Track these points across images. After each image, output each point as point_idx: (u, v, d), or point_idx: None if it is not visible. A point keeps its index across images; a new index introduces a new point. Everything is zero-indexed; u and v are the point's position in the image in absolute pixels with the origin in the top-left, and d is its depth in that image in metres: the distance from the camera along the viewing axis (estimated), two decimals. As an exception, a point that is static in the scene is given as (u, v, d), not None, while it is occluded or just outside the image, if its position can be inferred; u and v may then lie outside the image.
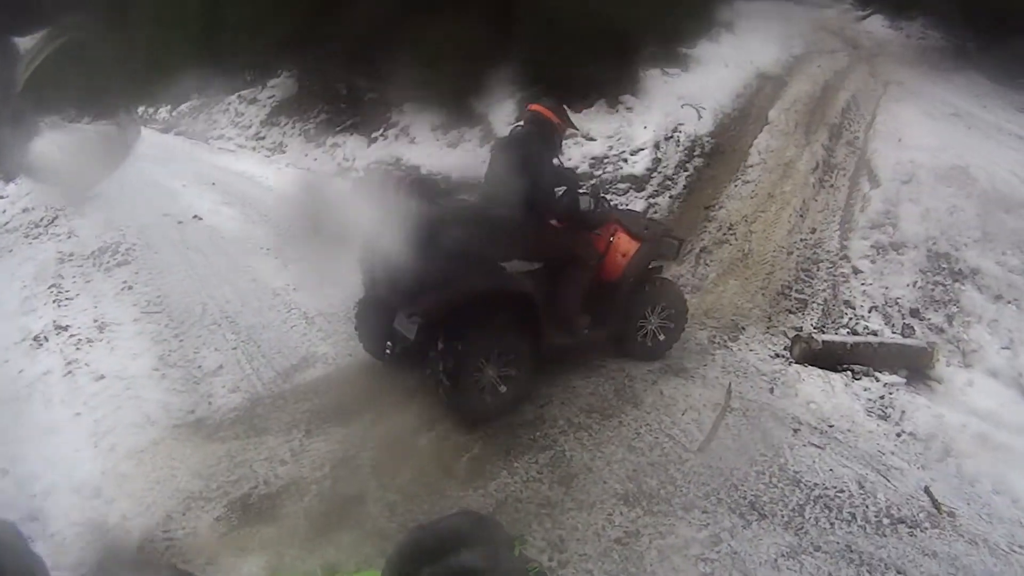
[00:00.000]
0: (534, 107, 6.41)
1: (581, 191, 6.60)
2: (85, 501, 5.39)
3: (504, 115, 11.87)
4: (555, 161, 6.32)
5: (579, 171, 10.33)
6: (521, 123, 6.54)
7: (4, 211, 13.14)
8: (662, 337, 6.97)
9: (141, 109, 20.21)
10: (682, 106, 11.50)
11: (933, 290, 7.88)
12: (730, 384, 6.51)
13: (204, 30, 16.72)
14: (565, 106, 6.60)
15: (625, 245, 6.68)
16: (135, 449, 5.90)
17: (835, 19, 17.03)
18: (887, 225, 8.60)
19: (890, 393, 6.56)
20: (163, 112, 18.94)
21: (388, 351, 6.31)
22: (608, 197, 7.17)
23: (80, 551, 4.99)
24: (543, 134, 6.23)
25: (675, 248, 7.02)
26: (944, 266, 8.10)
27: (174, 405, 6.46)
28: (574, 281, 6.30)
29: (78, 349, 7.33)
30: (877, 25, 17.59)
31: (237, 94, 17.56)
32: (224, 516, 5.21)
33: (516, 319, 5.89)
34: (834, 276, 8.11)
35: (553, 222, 6.47)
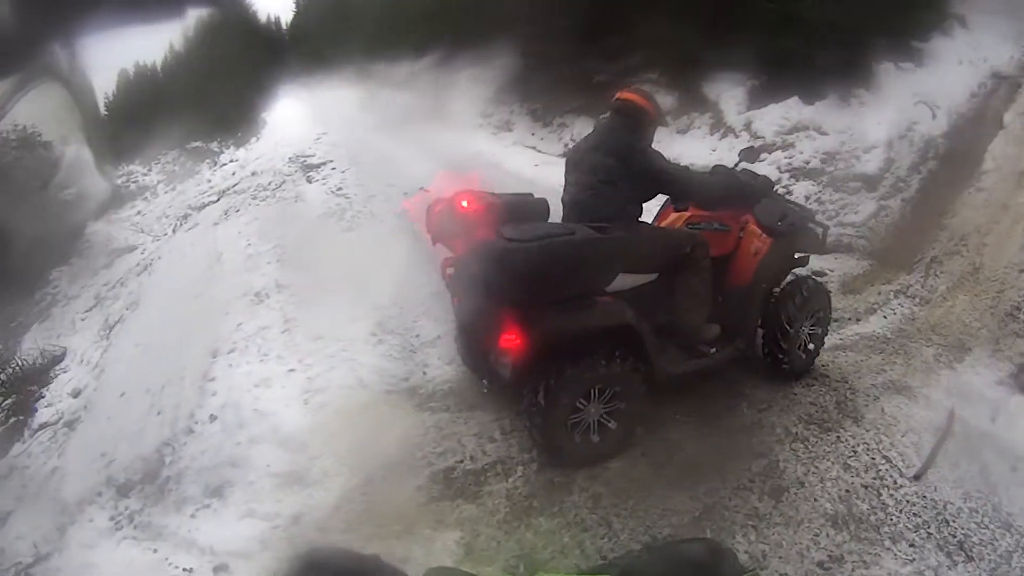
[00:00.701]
0: (625, 95, 5.99)
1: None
2: (289, 454, 5.83)
3: (734, 103, 12.02)
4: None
5: (810, 166, 10.45)
6: (608, 114, 6.13)
7: (234, 174, 14.14)
8: (811, 346, 6.67)
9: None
10: (916, 104, 11.24)
11: None
12: (953, 408, 6.25)
13: (435, 6, 17.27)
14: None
15: (756, 242, 6.25)
16: (345, 410, 6.28)
17: (1074, 14, 16.13)
18: None
19: (1116, 438, 6.18)
20: (392, 87, 19.46)
21: (485, 388, 6.04)
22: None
23: (275, 502, 5.48)
24: (636, 125, 5.85)
25: (819, 238, 6.61)
26: None
27: (388, 371, 6.83)
28: (692, 289, 5.86)
29: (298, 308, 7.81)
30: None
31: (464, 72, 17.98)
32: (426, 486, 5.52)
33: (619, 349, 5.44)
34: (1066, 302, 7.74)
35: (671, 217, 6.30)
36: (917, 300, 8.12)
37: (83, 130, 16.48)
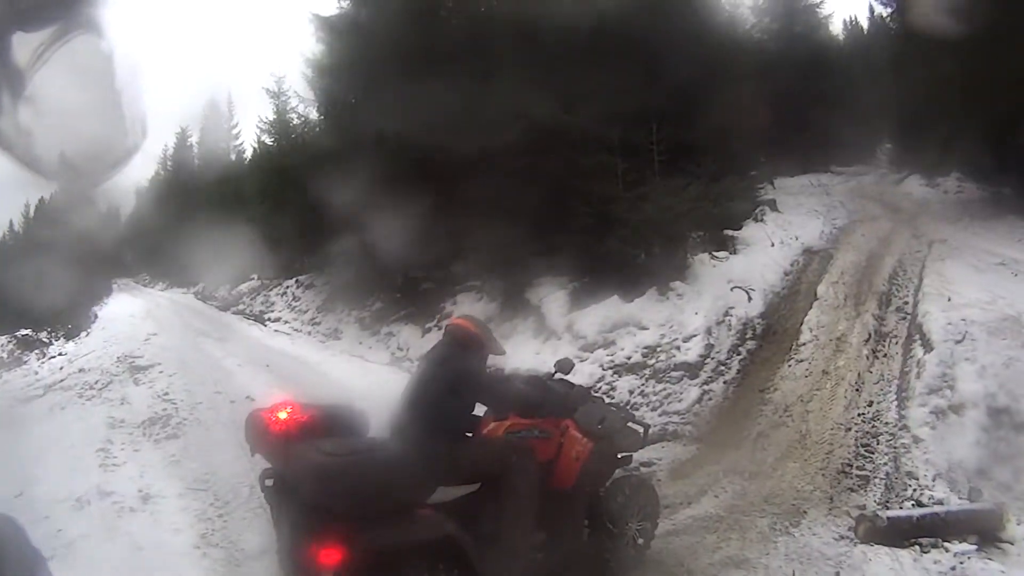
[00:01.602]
0: (456, 321, 6.15)
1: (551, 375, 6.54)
2: None
3: (556, 306, 12.24)
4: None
5: (632, 361, 10.49)
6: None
7: (62, 368, 14.01)
8: (640, 541, 6.46)
9: (201, 285, 20.94)
10: (732, 289, 11.62)
11: (997, 446, 7.63)
12: (794, 572, 6.13)
13: (266, 215, 17.66)
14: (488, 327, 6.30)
15: (577, 446, 6.08)
16: None
17: (873, 184, 17.31)
18: (944, 388, 8.39)
19: (961, 563, 6.11)
20: (223, 290, 19.60)
21: None
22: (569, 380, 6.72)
23: None
24: (464, 347, 5.87)
25: (639, 437, 6.55)
26: (1006, 420, 7.86)
27: None
28: (518, 497, 5.66)
29: (119, 517, 7.49)
30: (915, 186, 17.95)
31: (295, 278, 18.13)
32: None
33: (442, 561, 5.22)
34: (895, 448, 7.86)
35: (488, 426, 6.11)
36: (747, 475, 7.98)
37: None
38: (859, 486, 7.47)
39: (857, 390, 9.13)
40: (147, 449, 9.43)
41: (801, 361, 10.10)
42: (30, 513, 7.44)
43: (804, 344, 10.48)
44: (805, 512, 7.14)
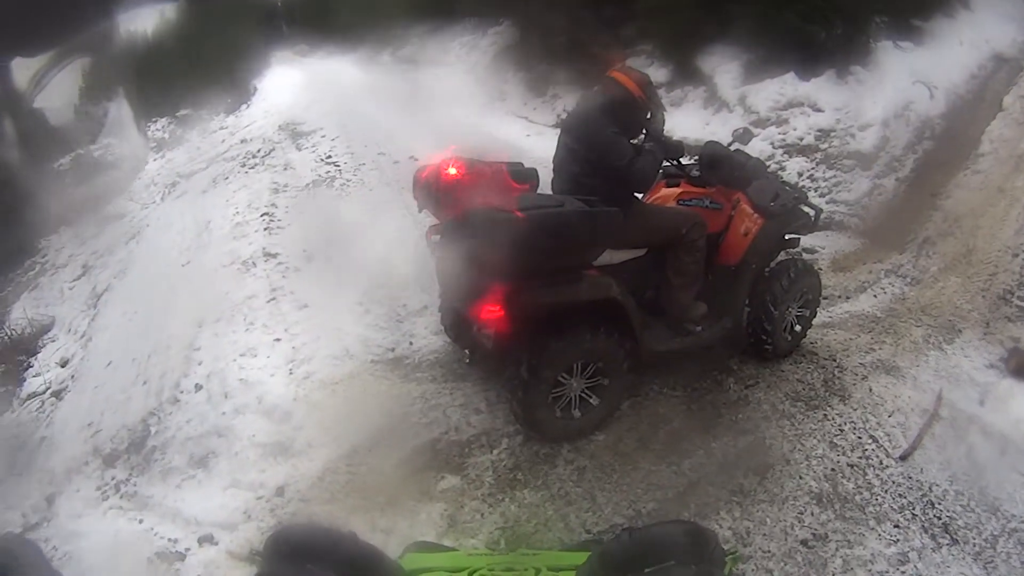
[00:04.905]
0: (613, 73, 5.77)
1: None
2: (273, 425, 5.78)
3: (730, 77, 11.79)
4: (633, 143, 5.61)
5: (804, 143, 10.27)
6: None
7: (223, 141, 13.92)
8: (798, 328, 6.61)
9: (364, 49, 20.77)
10: (914, 83, 11.03)
11: None
12: (941, 390, 6.18)
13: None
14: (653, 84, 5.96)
15: (747, 222, 6.14)
16: (330, 380, 6.23)
17: (1083, 2, 15.90)
18: None
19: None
20: (385, 55, 19.37)
21: (468, 360, 6.00)
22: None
23: (260, 473, 5.42)
24: (616, 104, 5.60)
25: (810, 220, 6.57)
26: None
27: (374, 341, 6.78)
28: (684, 267, 5.76)
29: (284, 277, 7.72)
30: None
31: (458, 40, 17.81)
32: (410, 457, 5.45)
33: (604, 324, 5.37)
34: (1061, 286, 7.56)
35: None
36: (908, 280, 7.99)
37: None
38: (1017, 316, 7.24)
39: (1032, 216, 8.73)
40: (311, 211, 9.56)
41: (978, 173, 9.64)
42: (197, 280, 7.97)
43: (983, 155, 9.97)
44: (960, 331, 7.10)
